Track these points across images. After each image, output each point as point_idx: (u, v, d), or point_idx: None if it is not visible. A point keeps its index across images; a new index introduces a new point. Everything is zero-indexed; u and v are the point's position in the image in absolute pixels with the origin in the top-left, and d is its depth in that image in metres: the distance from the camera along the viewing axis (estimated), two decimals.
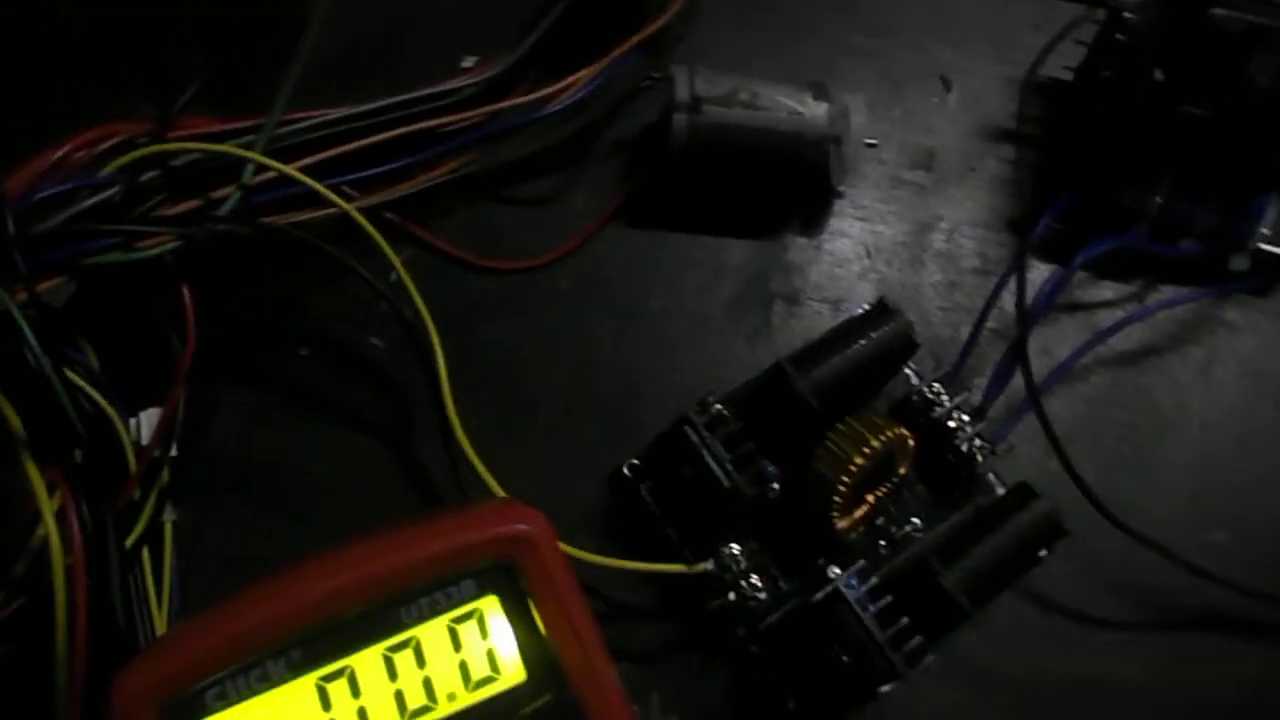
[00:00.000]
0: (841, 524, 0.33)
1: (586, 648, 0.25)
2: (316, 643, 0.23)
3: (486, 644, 0.25)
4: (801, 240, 0.40)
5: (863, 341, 0.35)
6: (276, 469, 0.35)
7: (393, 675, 0.24)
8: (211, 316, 0.34)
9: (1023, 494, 0.34)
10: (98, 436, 0.30)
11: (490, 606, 0.25)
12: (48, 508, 0.27)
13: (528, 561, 0.25)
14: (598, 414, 0.37)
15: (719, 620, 0.34)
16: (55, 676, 0.27)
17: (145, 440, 0.32)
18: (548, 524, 0.26)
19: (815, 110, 0.38)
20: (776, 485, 0.34)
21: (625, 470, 0.35)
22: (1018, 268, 0.37)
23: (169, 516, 0.32)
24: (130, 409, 0.32)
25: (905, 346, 0.35)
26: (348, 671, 0.24)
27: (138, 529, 0.31)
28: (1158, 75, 0.37)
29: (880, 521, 0.35)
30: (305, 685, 0.23)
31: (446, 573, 0.24)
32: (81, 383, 0.31)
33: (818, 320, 0.39)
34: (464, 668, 0.24)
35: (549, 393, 0.37)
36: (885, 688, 0.31)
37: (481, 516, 0.26)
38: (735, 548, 0.33)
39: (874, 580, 0.33)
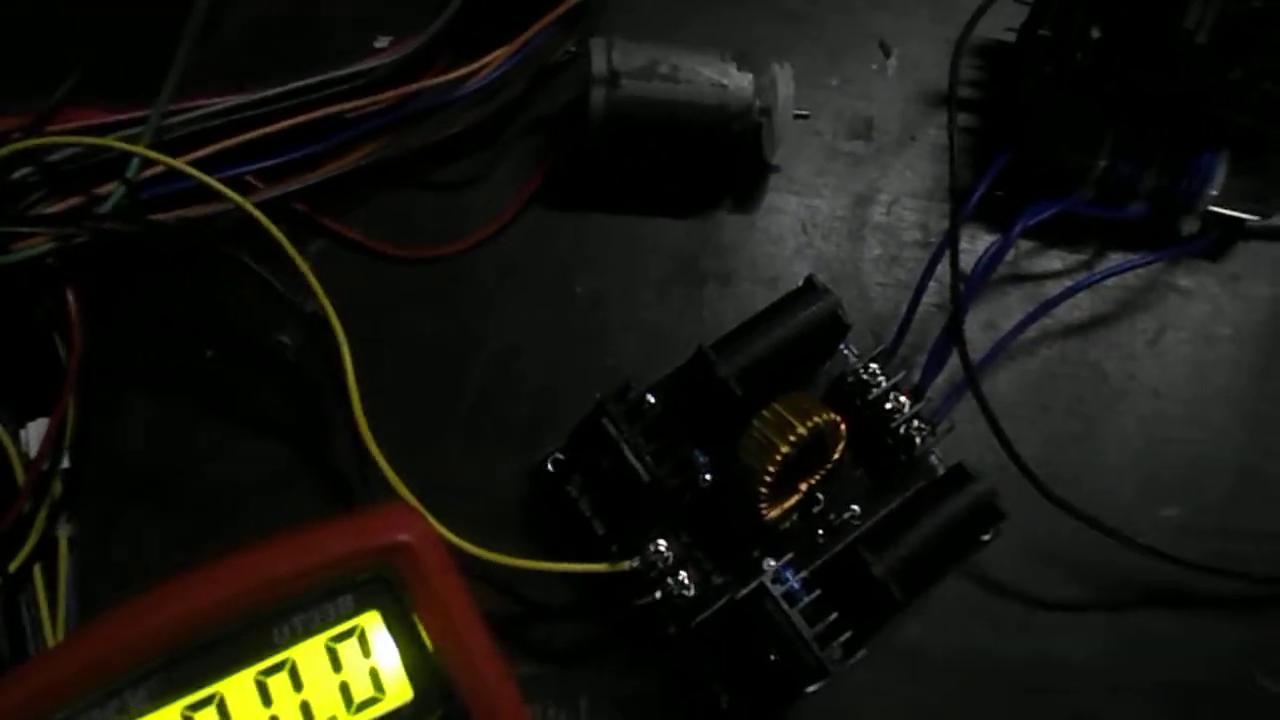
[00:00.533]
0: (771, 514, 0.32)
1: (476, 659, 0.23)
2: (181, 668, 0.22)
3: (369, 662, 0.23)
4: (734, 217, 0.39)
5: (789, 323, 0.33)
6: (183, 476, 0.33)
7: (267, 701, 0.22)
8: (110, 319, 0.33)
9: (959, 476, 0.33)
10: None
11: (371, 622, 0.23)
12: None
13: (409, 572, 0.23)
14: (522, 405, 0.36)
15: (647, 617, 0.32)
16: None
17: (34, 452, 0.30)
18: (429, 529, 0.24)
19: (740, 81, 0.36)
20: (707, 475, 0.32)
21: (548, 465, 0.34)
22: (951, 238, 0.35)
23: (64, 530, 0.31)
24: (20, 420, 0.31)
25: (835, 327, 0.33)
26: (217, 698, 0.22)
27: (28, 546, 0.29)
28: (1095, 33, 0.36)
29: (818, 509, 0.34)
30: (169, 715, 0.22)
31: (322, 588, 0.23)
32: None
33: (752, 300, 0.38)
34: (345, 689, 0.23)
35: (471, 384, 0.36)
36: (813, 686, 0.30)
37: (358, 525, 0.24)
38: (662, 543, 0.32)
39: (804, 573, 0.31)
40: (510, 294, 0.37)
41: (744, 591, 0.31)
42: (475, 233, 0.37)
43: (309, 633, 0.23)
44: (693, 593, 0.32)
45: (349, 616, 0.23)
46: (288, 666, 0.23)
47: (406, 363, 0.35)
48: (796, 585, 0.31)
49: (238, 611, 0.23)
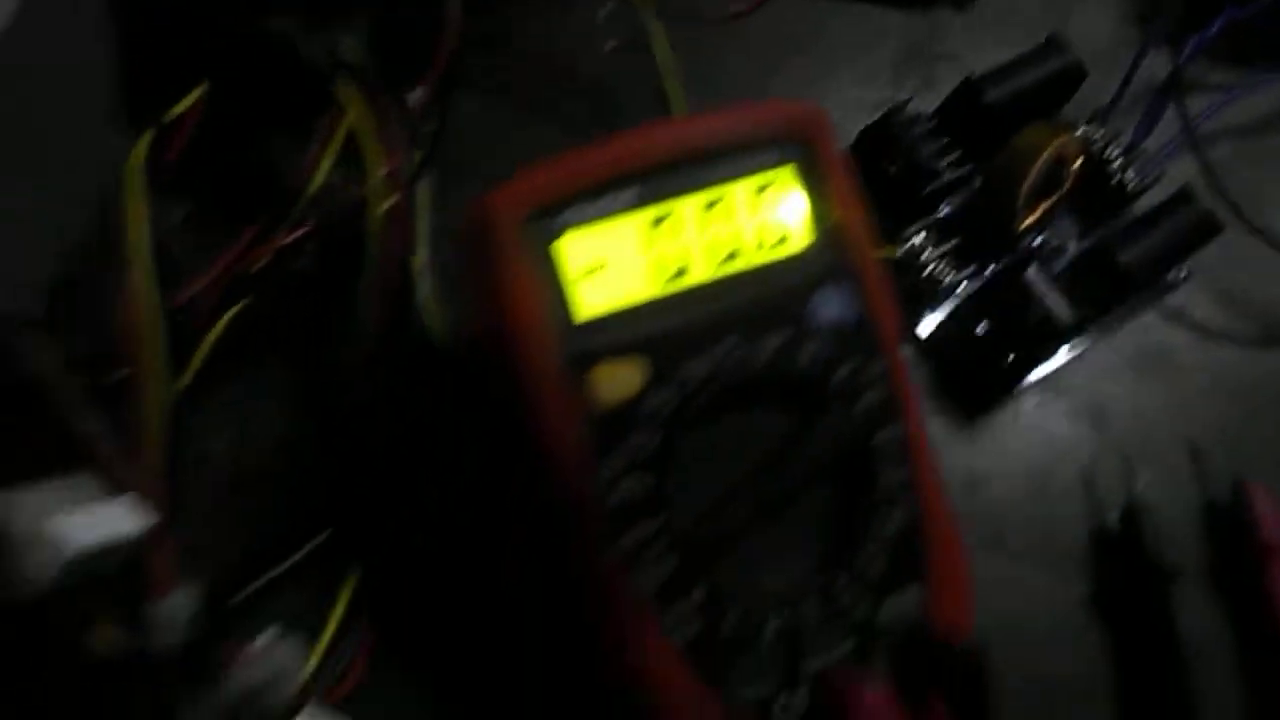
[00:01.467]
0: (1021, 224, 0.40)
1: (864, 236, 0.31)
2: (652, 184, 0.30)
3: (787, 210, 0.31)
4: (955, 14, 0.47)
5: (1038, 68, 0.41)
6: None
7: (709, 223, 0.30)
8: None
9: (1183, 196, 0.40)
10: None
11: (791, 179, 0.31)
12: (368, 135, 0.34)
13: (821, 148, 0.31)
14: None
15: (907, 300, 0.40)
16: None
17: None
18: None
19: None
20: (969, 178, 0.40)
21: None
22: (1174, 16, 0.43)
23: (424, 186, 0.38)
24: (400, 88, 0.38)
25: (1076, 74, 0.41)
26: (675, 213, 0.30)
27: None
28: None
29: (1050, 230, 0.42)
30: (643, 218, 0.29)
31: (755, 143, 0.31)
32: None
33: None
34: (765, 226, 0.30)
35: None
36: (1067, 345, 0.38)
37: (781, 106, 0.32)
38: (925, 233, 0.39)
39: (1055, 264, 0.39)
40: (773, 59, 0.45)
41: (1006, 262, 0.39)
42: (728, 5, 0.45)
43: (745, 175, 0.30)
44: (950, 279, 0.39)
45: (775, 168, 0.30)
46: (726, 199, 0.30)
47: None
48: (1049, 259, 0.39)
49: (698, 148, 0.30)
